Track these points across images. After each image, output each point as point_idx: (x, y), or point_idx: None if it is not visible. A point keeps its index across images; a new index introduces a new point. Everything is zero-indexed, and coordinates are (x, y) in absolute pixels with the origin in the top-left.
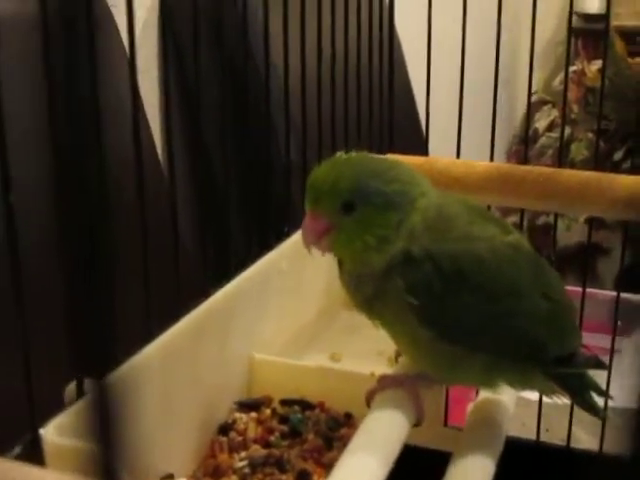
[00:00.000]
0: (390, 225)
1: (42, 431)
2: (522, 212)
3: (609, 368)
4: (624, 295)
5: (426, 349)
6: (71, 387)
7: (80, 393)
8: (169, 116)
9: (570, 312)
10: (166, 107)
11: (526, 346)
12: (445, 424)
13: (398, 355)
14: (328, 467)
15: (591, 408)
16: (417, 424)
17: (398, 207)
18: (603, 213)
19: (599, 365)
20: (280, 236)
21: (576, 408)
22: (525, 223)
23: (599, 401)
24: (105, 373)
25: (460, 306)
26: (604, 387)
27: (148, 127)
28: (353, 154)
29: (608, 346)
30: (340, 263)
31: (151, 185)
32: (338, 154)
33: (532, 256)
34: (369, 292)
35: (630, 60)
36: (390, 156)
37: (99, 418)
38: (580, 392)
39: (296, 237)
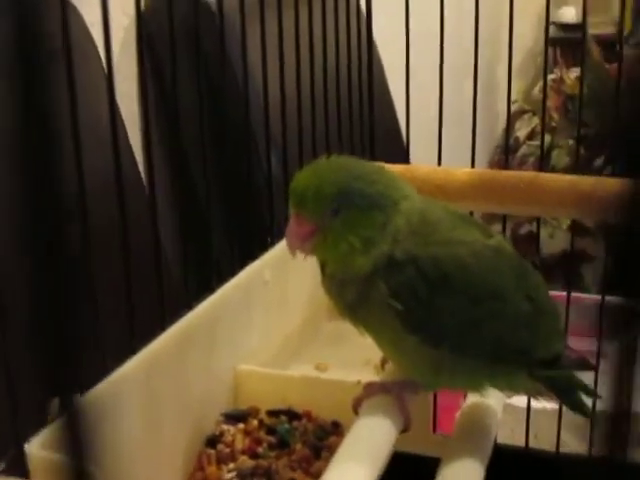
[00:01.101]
0: (375, 226)
1: (26, 446)
2: (504, 220)
3: (596, 369)
4: (609, 298)
5: (411, 354)
6: (55, 402)
7: (64, 408)
8: (148, 131)
9: (554, 314)
10: (145, 123)
11: (511, 349)
12: (434, 431)
13: (384, 363)
14: (316, 477)
15: (579, 408)
16: (405, 430)
17: (382, 208)
18: (585, 216)
19: (585, 366)
20: (264, 247)
21: (565, 413)
22: (508, 233)
23: (588, 402)
24: (76, 391)
25: (444, 310)
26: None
27: (128, 144)
28: (335, 158)
29: (595, 349)
30: (323, 268)
31: (132, 199)
32: (319, 159)
33: (515, 259)
34: (352, 297)
35: (608, 66)
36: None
37: (75, 435)
38: (567, 393)
39: (279, 247)
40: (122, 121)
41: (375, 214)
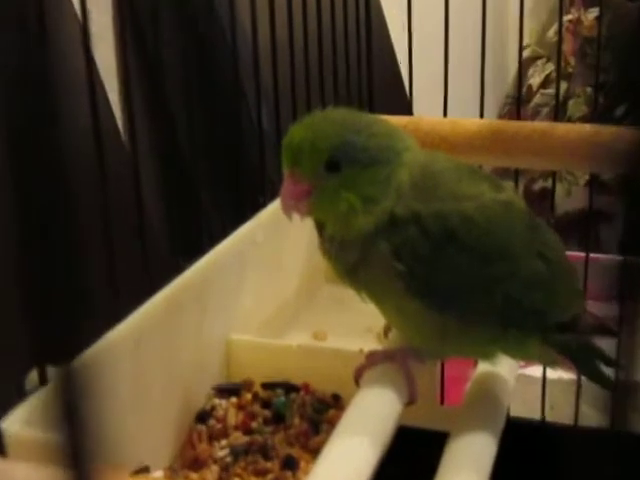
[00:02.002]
0: (377, 183)
1: (3, 424)
2: (516, 175)
3: (618, 335)
4: (630, 259)
5: (416, 320)
6: (33, 375)
7: (43, 381)
8: (129, 85)
9: (570, 274)
10: (125, 75)
11: (523, 311)
12: (441, 403)
13: (388, 330)
14: (315, 452)
15: (599, 378)
16: (410, 402)
17: (384, 162)
18: (604, 170)
19: (605, 331)
20: (256, 208)
21: (584, 383)
22: (520, 189)
23: (609, 372)
24: (69, 358)
25: (449, 271)
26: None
27: (106, 97)
28: (331, 110)
29: (615, 314)
30: (320, 229)
31: (112, 158)
32: (315, 112)
33: (526, 214)
34: (353, 259)
35: (629, 5)
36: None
37: (64, 406)
38: (585, 361)
39: (273, 207)
40: (98, 74)
41: (377, 169)
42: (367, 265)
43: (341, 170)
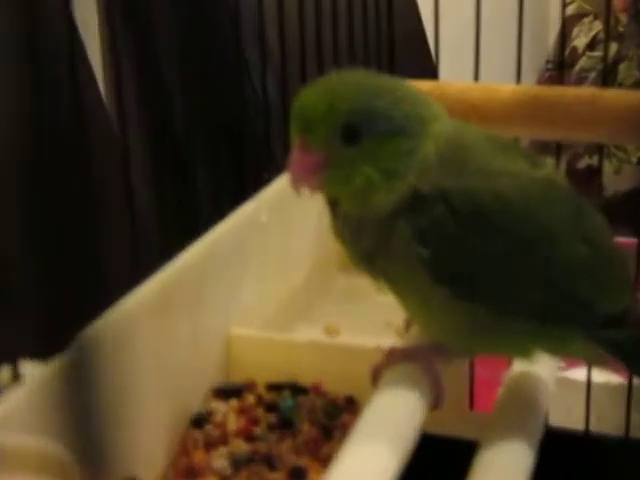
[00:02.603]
0: (399, 156)
1: None
2: (558, 151)
3: None
4: None
5: (441, 312)
6: (4, 371)
7: (15, 378)
8: (115, 50)
9: (619, 261)
10: (111, 39)
11: (565, 303)
12: (471, 409)
13: (409, 325)
14: (326, 462)
15: None
16: (435, 406)
17: (409, 133)
18: None
19: None
20: (259, 184)
21: (635, 388)
22: (563, 167)
23: None
24: (51, 354)
25: (480, 256)
26: None
27: (89, 66)
28: (349, 71)
29: None
30: (333, 207)
31: (97, 134)
32: (330, 74)
33: (569, 194)
34: (370, 243)
35: None
36: None
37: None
38: (637, 359)
39: (278, 184)
40: (80, 39)
41: (400, 140)
42: (386, 248)
43: (361, 139)
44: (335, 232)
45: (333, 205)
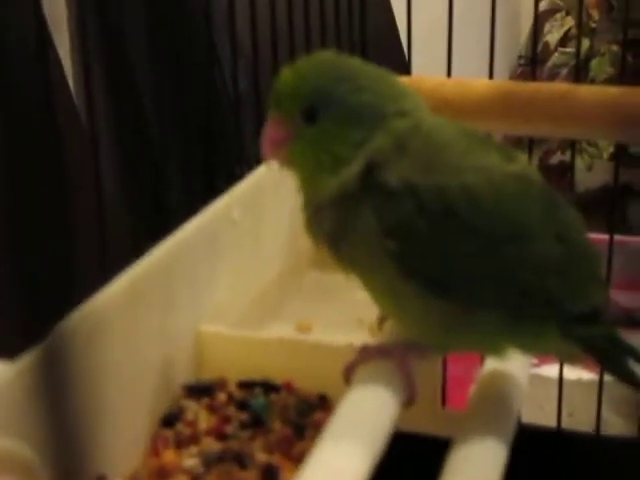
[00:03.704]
0: (347, 143)
1: None
2: (530, 147)
3: None
4: None
5: (412, 306)
6: None
7: None
8: (84, 41)
9: (593, 257)
10: (80, 30)
11: (538, 300)
12: (443, 406)
13: (382, 321)
14: (299, 460)
15: (627, 376)
16: (408, 403)
17: (363, 123)
18: (633, 138)
19: (633, 323)
20: (231, 179)
21: (607, 384)
22: (535, 162)
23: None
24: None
25: (450, 252)
26: None
27: (57, 56)
28: (324, 53)
29: None
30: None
31: (65, 129)
32: (314, 54)
33: (543, 189)
34: (329, 226)
35: None
36: None
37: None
38: (610, 356)
39: (250, 179)
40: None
41: (354, 128)
42: (350, 237)
43: (317, 120)
44: (303, 215)
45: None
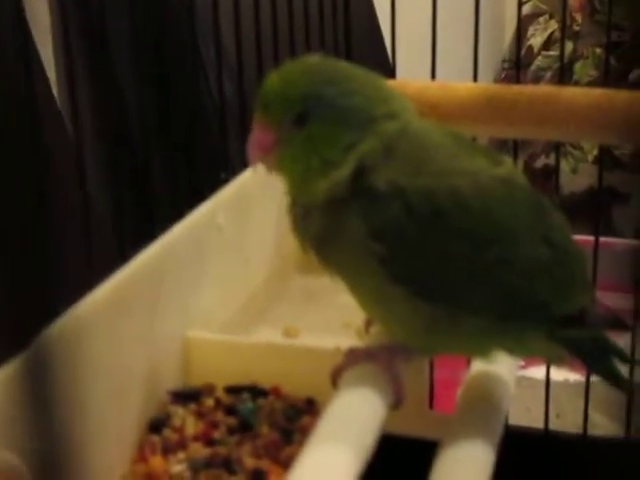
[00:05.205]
0: (338, 146)
1: None
2: (515, 149)
3: (633, 331)
4: None
5: (399, 310)
6: None
7: None
8: (68, 48)
9: (579, 259)
10: (63, 37)
11: (525, 302)
12: (430, 408)
13: (368, 325)
14: (287, 465)
15: (613, 377)
16: (396, 406)
17: (352, 126)
18: (618, 140)
19: (618, 324)
20: (216, 184)
21: (593, 386)
22: (520, 166)
23: (623, 370)
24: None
25: (438, 255)
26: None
27: (41, 64)
28: (312, 57)
29: (629, 307)
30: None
31: (50, 134)
32: (299, 58)
33: (528, 192)
34: (317, 230)
35: None
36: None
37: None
38: (597, 357)
39: (235, 184)
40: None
41: (342, 133)
42: (338, 238)
43: (307, 123)
44: (290, 218)
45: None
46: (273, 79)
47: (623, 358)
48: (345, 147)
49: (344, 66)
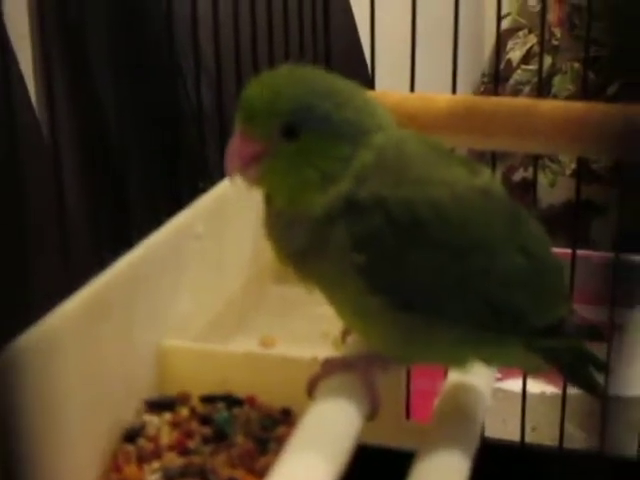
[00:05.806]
0: (335, 159)
1: None
2: (494, 162)
3: (609, 342)
4: (625, 257)
5: (377, 320)
6: None
7: None
8: (47, 57)
9: (556, 270)
10: (41, 44)
11: (502, 313)
12: (407, 418)
13: (346, 334)
14: (262, 475)
15: (589, 387)
16: (372, 416)
17: (347, 139)
18: (595, 153)
19: (595, 335)
20: (194, 193)
21: (569, 399)
22: (498, 179)
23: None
24: None
25: (417, 265)
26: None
27: (19, 70)
28: (298, 67)
29: (606, 319)
30: (268, 202)
31: (27, 142)
32: (281, 66)
33: (507, 203)
34: (301, 242)
35: None
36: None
37: None
38: (574, 367)
39: (214, 193)
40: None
41: (337, 144)
42: (320, 251)
43: (300, 136)
44: (266, 228)
45: (268, 200)
46: (256, 88)
47: (600, 367)
48: (343, 160)
49: (330, 77)
